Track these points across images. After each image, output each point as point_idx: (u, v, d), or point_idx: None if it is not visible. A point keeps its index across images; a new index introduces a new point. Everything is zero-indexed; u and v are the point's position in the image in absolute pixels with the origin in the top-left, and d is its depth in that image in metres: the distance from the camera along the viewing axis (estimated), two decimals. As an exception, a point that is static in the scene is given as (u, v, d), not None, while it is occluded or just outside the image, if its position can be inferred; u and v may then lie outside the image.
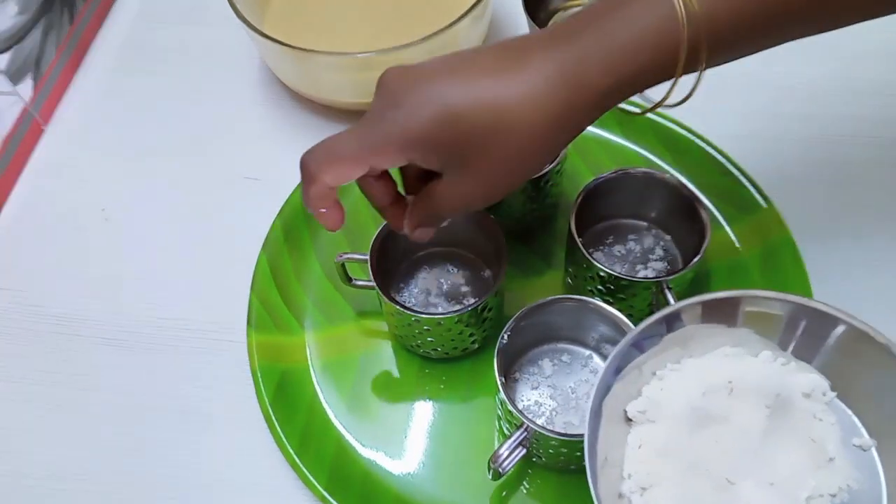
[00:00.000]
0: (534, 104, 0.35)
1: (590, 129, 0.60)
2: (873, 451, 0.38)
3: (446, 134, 0.36)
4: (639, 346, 0.39)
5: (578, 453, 0.44)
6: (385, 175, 0.42)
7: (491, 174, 0.37)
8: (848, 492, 0.37)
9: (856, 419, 0.39)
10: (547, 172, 0.51)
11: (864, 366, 0.38)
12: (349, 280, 0.52)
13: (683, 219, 0.51)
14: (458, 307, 0.47)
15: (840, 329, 0.38)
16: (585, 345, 0.50)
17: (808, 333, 0.39)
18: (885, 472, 0.38)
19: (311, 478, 0.46)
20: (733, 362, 0.39)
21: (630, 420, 0.39)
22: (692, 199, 0.50)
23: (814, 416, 0.39)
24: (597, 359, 0.49)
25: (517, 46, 0.37)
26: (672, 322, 0.40)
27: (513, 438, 0.42)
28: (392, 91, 0.37)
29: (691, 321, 0.40)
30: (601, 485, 0.35)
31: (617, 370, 0.39)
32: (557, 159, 0.51)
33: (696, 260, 0.47)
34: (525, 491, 0.47)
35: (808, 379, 0.39)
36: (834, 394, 0.39)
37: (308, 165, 0.39)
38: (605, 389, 0.38)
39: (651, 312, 0.50)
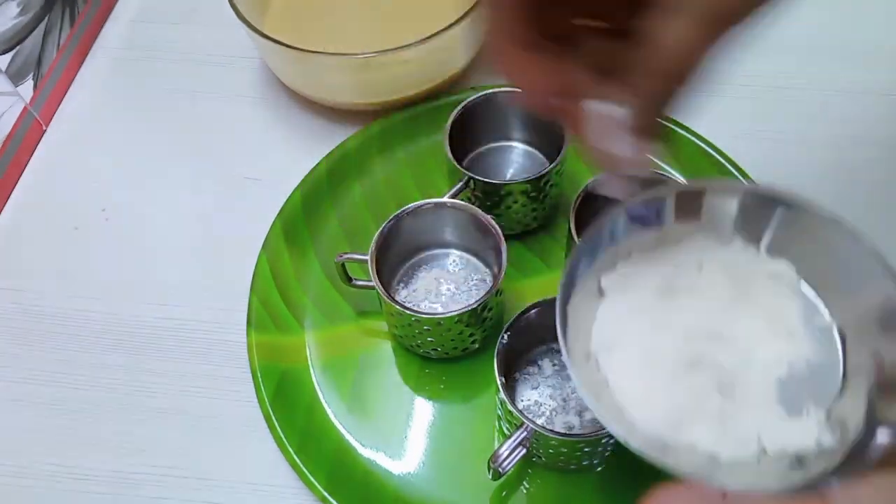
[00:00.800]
0: None
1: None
2: (834, 332, 0.39)
3: None
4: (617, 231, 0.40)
5: (578, 453, 0.44)
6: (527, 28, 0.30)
7: None
8: (806, 364, 0.38)
9: (820, 303, 0.39)
10: (547, 172, 0.51)
11: (830, 253, 0.39)
12: (349, 280, 0.52)
13: (683, 219, 0.51)
14: (458, 307, 0.47)
15: (806, 217, 0.39)
16: (585, 345, 0.50)
17: (778, 223, 0.40)
18: (844, 353, 0.38)
19: (311, 478, 0.46)
20: (705, 247, 0.40)
21: (602, 292, 0.39)
22: (692, 199, 0.50)
23: (778, 296, 0.39)
24: (597, 359, 0.49)
25: None
26: (655, 210, 0.40)
27: (513, 438, 0.42)
28: None
29: (668, 217, 0.40)
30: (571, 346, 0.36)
31: (609, 234, 0.39)
32: (557, 159, 0.51)
33: (696, 260, 0.47)
34: (525, 491, 0.47)
35: (775, 265, 0.40)
36: (800, 279, 0.40)
37: None
38: (581, 257, 0.38)
39: None
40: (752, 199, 0.40)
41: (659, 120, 0.31)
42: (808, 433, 0.35)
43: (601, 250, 0.39)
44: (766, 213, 0.40)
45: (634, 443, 0.33)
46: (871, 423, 0.34)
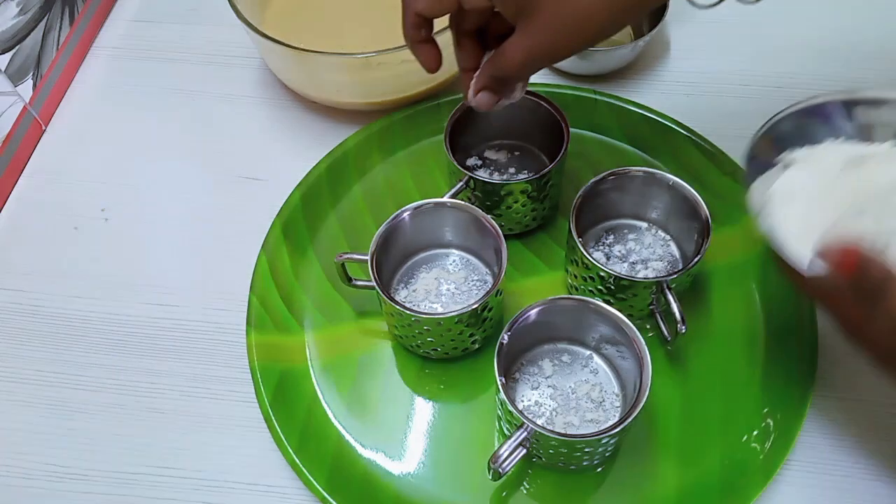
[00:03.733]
0: None
1: (590, 129, 0.61)
2: None
3: None
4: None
5: (578, 453, 0.44)
6: (475, 37, 0.47)
7: (561, 24, 0.40)
8: None
9: None
10: (547, 172, 0.51)
11: None
12: (349, 280, 0.52)
13: (683, 219, 0.51)
14: (458, 307, 0.47)
15: None
16: (586, 345, 0.50)
17: None
18: None
19: (310, 478, 0.46)
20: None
21: (787, 165, 0.43)
22: (692, 199, 0.50)
23: None
24: (597, 359, 0.49)
25: None
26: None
27: (513, 439, 0.42)
28: None
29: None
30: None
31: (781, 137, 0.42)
32: (557, 159, 0.51)
33: (696, 260, 0.47)
34: (525, 491, 0.47)
35: None
36: None
37: None
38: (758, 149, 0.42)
39: (651, 313, 0.51)
40: None
41: (492, 87, 0.46)
42: None
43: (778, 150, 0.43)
44: None
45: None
46: None
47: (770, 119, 0.44)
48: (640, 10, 0.42)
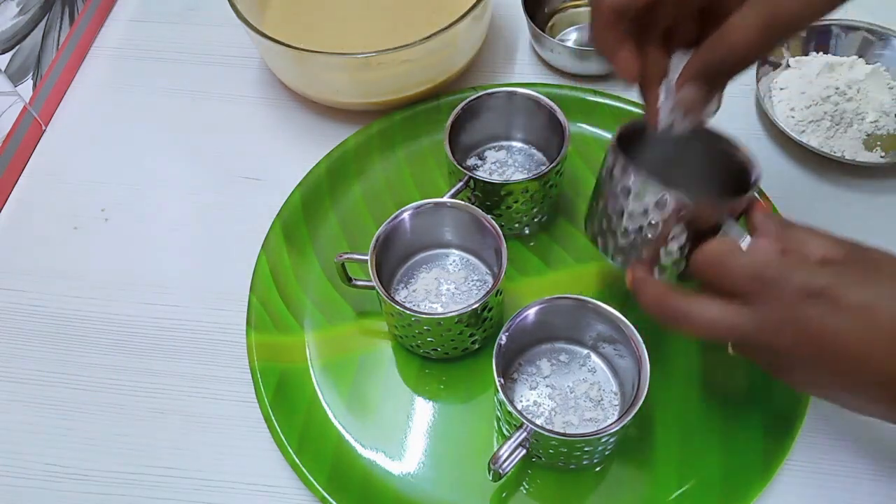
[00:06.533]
0: None
1: (590, 129, 0.61)
2: None
3: None
4: None
5: (578, 453, 0.44)
6: (661, 43, 0.40)
7: None
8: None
9: None
10: (547, 172, 0.51)
11: None
12: (349, 280, 0.52)
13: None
14: (458, 307, 0.47)
15: None
16: (583, 344, 0.50)
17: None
18: None
19: (310, 478, 0.46)
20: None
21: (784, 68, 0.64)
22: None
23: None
24: (595, 358, 0.49)
25: None
26: None
27: (512, 439, 0.42)
28: None
29: None
30: None
31: None
32: (557, 159, 0.51)
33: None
34: (525, 491, 0.47)
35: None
36: None
37: None
38: None
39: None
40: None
41: (704, 78, 0.38)
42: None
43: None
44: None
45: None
46: None
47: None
48: None
